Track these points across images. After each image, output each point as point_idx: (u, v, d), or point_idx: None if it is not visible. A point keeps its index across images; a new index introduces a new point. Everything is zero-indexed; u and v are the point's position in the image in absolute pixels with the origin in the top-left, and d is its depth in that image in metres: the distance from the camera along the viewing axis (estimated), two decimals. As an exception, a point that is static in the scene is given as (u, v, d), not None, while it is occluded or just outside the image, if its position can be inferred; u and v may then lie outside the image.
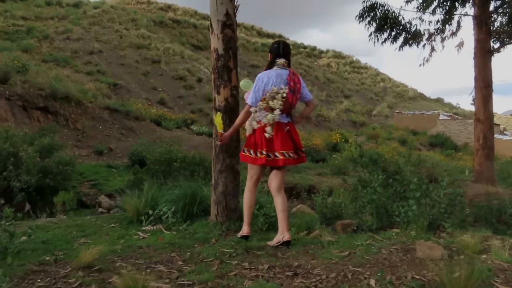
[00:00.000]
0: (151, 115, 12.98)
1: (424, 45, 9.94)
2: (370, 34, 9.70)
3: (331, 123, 24.88)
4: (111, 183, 7.88)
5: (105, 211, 6.74)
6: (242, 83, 3.40)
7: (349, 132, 19.53)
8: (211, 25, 3.94)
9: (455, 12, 8.47)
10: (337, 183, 8.94)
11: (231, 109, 3.88)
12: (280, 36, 46.51)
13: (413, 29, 9.52)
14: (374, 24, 9.36)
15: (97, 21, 24.11)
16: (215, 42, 3.88)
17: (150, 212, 4.17)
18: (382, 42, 9.09)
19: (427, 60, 9.06)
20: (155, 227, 4.02)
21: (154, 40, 23.83)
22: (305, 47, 41.71)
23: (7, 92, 9.60)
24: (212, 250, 3.09)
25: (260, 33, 44.20)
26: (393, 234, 3.37)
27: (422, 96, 38.70)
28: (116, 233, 3.89)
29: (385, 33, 9.49)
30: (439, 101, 39.10)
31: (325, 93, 31.92)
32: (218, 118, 3.51)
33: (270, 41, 40.67)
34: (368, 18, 9.28)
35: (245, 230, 3.33)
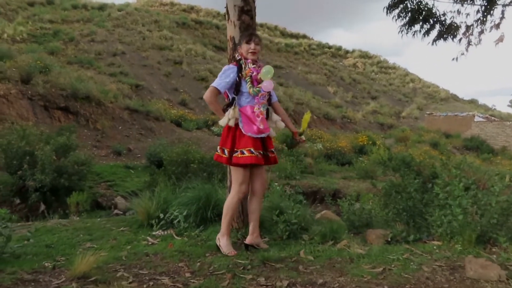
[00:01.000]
0: (171, 115, 12.88)
1: (460, 39, 9.18)
2: (400, 28, 9.05)
3: (357, 125, 24.16)
4: (128, 184, 7.74)
5: (121, 213, 6.57)
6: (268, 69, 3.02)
7: (377, 135, 18.83)
8: (227, 11, 3.63)
9: (497, 2, 7.80)
10: (365, 188, 8.47)
11: (248, 98, 3.56)
12: (304, 36, 46.05)
13: (448, 22, 8.82)
14: (405, 16, 8.72)
15: (121, 23, 24.50)
16: (232, 30, 3.57)
17: (161, 215, 3.91)
18: (413, 34, 8.45)
19: (463, 54, 8.34)
20: (166, 232, 3.75)
21: (177, 41, 23.95)
22: (329, 47, 41.01)
23: (30, 92, 9.71)
24: (225, 261, 2.77)
25: (284, 34, 43.87)
26: (434, 247, 2.93)
27: (454, 97, 37.13)
28: (124, 237, 3.64)
29: (416, 25, 8.83)
30: (473, 102, 37.37)
31: (350, 94, 31.16)
32: (308, 117, 3.23)
33: (294, 41, 40.51)
34: (398, 10, 8.63)
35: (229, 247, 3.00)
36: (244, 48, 3.00)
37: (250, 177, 3.03)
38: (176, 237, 3.57)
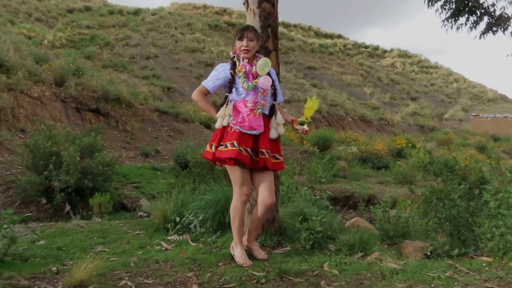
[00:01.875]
0: (201, 117, 12.86)
1: (512, 32, 8.34)
2: (443, 21, 8.40)
3: (395, 127, 23.18)
4: (153, 186, 7.71)
5: (145, 215, 6.50)
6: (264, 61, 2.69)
7: (416, 137, 17.90)
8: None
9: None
10: (402, 193, 7.93)
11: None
12: (339, 36, 45.17)
13: (498, 13, 8.06)
14: (449, 9, 8.07)
15: (155, 27, 25.09)
16: (251, 19, 3.34)
17: (177, 219, 3.74)
18: (458, 28, 7.81)
19: (517, 48, 7.52)
20: (181, 237, 3.57)
21: (208, 43, 24.16)
22: (366, 47, 39.89)
23: (63, 94, 10.00)
24: (238, 272, 2.52)
25: (318, 34, 43.27)
26: (484, 264, 2.52)
27: (504, 98, 34.79)
28: (138, 242, 3.49)
29: (461, 18, 8.13)
30: (525, 103, 34.83)
31: (388, 95, 30.03)
32: (313, 103, 2.76)
33: (328, 41, 39.79)
34: (441, 2, 7.99)
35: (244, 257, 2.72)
36: (237, 45, 2.74)
37: (254, 184, 2.77)
38: (191, 243, 3.37)
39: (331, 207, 4.03)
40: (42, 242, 3.46)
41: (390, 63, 38.22)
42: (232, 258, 2.78)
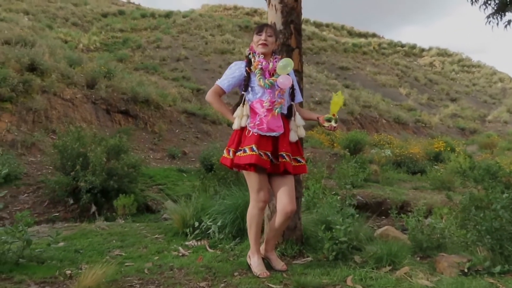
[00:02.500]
0: (228, 119, 12.86)
1: None
2: (487, 18, 7.94)
3: (433, 129, 22.21)
4: (179, 188, 7.73)
5: (169, 217, 6.52)
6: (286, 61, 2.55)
7: (456, 140, 17.03)
8: (268, -6, 3.28)
9: None
10: (439, 200, 7.48)
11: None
12: (373, 35, 44.12)
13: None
14: (495, 4, 7.60)
15: (185, 29, 25.50)
16: (273, 15, 3.22)
17: (196, 224, 3.67)
18: (505, 25, 7.36)
19: None
20: (199, 243, 3.50)
21: (238, 44, 24.24)
22: (402, 46, 38.68)
23: (93, 96, 10.31)
24: (254, 284, 2.39)
25: (351, 33, 42.46)
26: (531, 285, 2.25)
27: (555, 98, 32.49)
28: (156, 246, 3.46)
29: (508, 13, 7.65)
30: None
31: (426, 95, 28.89)
32: (338, 99, 2.60)
33: (362, 40, 38.93)
34: (486, -3, 7.53)
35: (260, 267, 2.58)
36: (254, 39, 2.65)
37: (273, 190, 2.63)
38: (208, 249, 3.29)
39: (358, 214, 3.82)
40: (61, 244, 3.50)
41: (428, 62, 36.79)
42: (248, 267, 2.66)
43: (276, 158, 2.56)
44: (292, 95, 2.70)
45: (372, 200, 8.15)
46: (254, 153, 2.42)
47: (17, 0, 21.91)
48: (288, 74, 2.53)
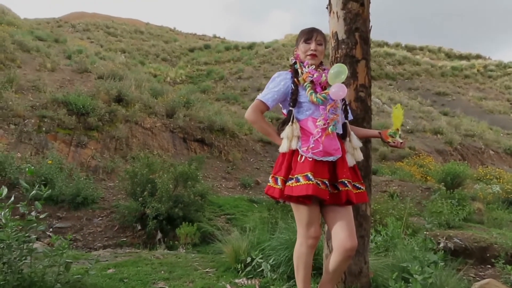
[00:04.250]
0: (306, 148, 12.54)
1: None
2: None
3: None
4: (247, 218, 7.53)
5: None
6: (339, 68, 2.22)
7: None
8: (329, 1, 3.02)
9: None
10: None
11: (357, 119, 2.78)
12: (477, 56, 40.60)
13: None
14: None
15: (267, 59, 26.31)
16: (334, 24, 2.95)
17: (249, 260, 3.38)
18: None
19: None
20: (250, 282, 3.19)
21: (320, 72, 24.13)
22: (514, 66, 34.69)
23: (172, 125, 10.92)
24: None
25: (450, 55, 39.68)
26: None
27: None
28: (203, 282, 3.24)
29: None
30: None
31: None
32: (398, 112, 2.38)
33: (464, 63, 35.93)
34: None
35: None
36: (302, 48, 2.34)
37: (327, 223, 2.23)
38: (257, 289, 2.96)
39: (454, 260, 3.16)
40: (110, 270, 3.49)
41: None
42: (295, 317, 2.27)
43: (333, 186, 2.19)
44: (345, 111, 2.34)
45: (474, 245, 6.94)
46: (310, 182, 2.05)
47: (117, 40, 25.03)
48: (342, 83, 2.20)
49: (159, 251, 4.77)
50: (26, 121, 9.11)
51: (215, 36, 36.09)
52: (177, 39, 29.95)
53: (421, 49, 39.66)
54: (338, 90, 2.15)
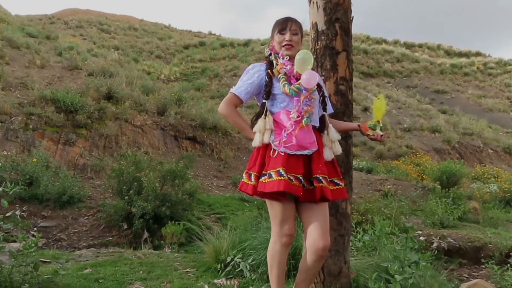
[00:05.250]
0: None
1: None
2: None
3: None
4: (238, 218, 7.47)
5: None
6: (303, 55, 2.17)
7: None
8: (309, -11, 2.97)
9: None
10: None
11: (337, 113, 2.73)
12: (477, 53, 40.65)
13: None
14: None
15: (262, 56, 26.18)
16: (314, 14, 2.90)
17: (229, 259, 3.33)
18: None
19: None
20: (229, 282, 3.14)
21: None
22: (514, 64, 34.77)
23: (163, 123, 10.85)
24: None
25: (449, 53, 39.72)
26: None
27: None
28: (181, 282, 3.20)
29: None
30: None
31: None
32: (380, 103, 2.28)
33: (463, 60, 35.95)
34: None
35: None
36: (277, 39, 2.27)
37: (302, 221, 2.18)
38: (236, 290, 2.91)
39: (448, 260, 3.12)
40: (87, 270, 3.44)
41: (549, 83, 32.32)
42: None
43: (309, 182, 2.14)
44: (323, 103, 2.29)
45: (468, 244, 6.91)
46: (282, 178, 2.00)
47: (110, 37, 24.90)
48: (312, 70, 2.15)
49: (142, 250, 4.73)
50: (12, 119, 9.02)
51: (210, 33, 36.01)
52: (172, 36, 29.84)
53: (420, 46, 39.66)
54: (309, 78, 2.08)
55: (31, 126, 8.95)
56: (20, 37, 15.05)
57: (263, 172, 2.11)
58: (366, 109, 20.64)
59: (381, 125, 2.23)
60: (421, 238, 7.19)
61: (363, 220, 5.91)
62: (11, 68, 11.83)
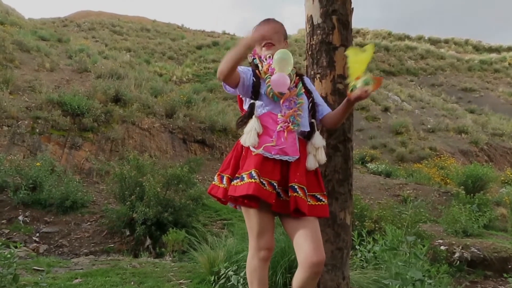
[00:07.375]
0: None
1: None
2: None
3: None
4: (245, 224, 7.42)
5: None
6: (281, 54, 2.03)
7: None
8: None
9: None
10: None
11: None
12: (509, 48, 39.42)
13: None
14: None
15: (279, 56, 26.10)
16: (309, 7, 2.80)
17: (222, 271, 3.25)
18: None
19: None
20: (222, 294, 3.05)
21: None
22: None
23: (171, 125, 10.89)
24: None
25: (478, 48, 38.71)
26: None
27: None
28: (172, 294, 3.12)
29: None
30: None
31: None
32: (363, 54, 1.97)
33: (493, 56, 34.92)
34: None
35: None
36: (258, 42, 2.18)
37: (289, 235, 2.06)
38: (226, 304, 2.82)
39: (472, 272, 2.94)
40: (77, 280, 3.42)
41: None
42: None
43: (285, 192, 2.02)
44: (312, 110, 2.17)
45: (494, 255, 6.65)
46: (252, 180, 1.90)
47: (122, 39, 25.29)
48: (289, 75, 2.04)
49: (139, 259, 4.70)
50: (19, 123, 9.21)
51: (224, 33, 36.10)
52: (185, 37, 30.06)
53: (446, 42, 38.78)
54: (278, 80, 1.98)
55: (37, 130, 9.11)
56: (31, 40, 15.41)
57: (236, 175, 2.02)
58: (386, 109, 20.28)
59: (366, 77, 1.93)
60: (442, 247, 6.95)
61: (376, 228, 5.72)
62: (20, 71, 12.12)
